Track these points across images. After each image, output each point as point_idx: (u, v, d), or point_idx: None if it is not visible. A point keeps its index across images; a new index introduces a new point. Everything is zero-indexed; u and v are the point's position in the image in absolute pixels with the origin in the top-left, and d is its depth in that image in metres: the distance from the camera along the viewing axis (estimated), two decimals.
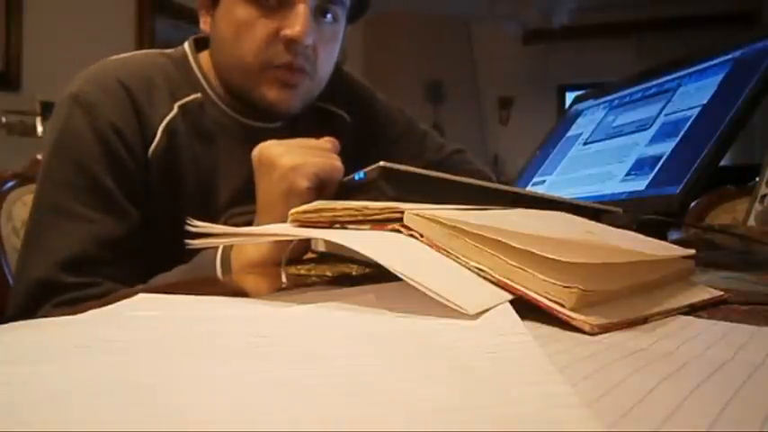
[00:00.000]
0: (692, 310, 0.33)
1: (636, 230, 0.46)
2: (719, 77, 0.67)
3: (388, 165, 0.48)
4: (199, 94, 0.78)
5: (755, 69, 0.62)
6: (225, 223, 0.76)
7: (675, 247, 0.40)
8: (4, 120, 2.78)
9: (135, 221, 0.71)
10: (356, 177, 0.54)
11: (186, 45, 0.83)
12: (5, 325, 0.27)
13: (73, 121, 0.70)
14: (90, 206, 0.68)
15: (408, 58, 5.15)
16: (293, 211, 0.41)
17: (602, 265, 0.31)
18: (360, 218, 0.37)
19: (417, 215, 0.35)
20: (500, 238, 0.31)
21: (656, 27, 4.93)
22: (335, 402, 0.17)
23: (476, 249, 0.32)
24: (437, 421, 0.16)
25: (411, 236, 0.35)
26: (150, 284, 0.64)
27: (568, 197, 0.57)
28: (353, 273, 0.48)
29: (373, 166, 0.49)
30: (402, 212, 0.35)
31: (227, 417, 0.16)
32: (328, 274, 0.49)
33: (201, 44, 0.83)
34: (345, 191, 0.56)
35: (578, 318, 0.28)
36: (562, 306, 0.28)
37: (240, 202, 0.76)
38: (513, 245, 0.30)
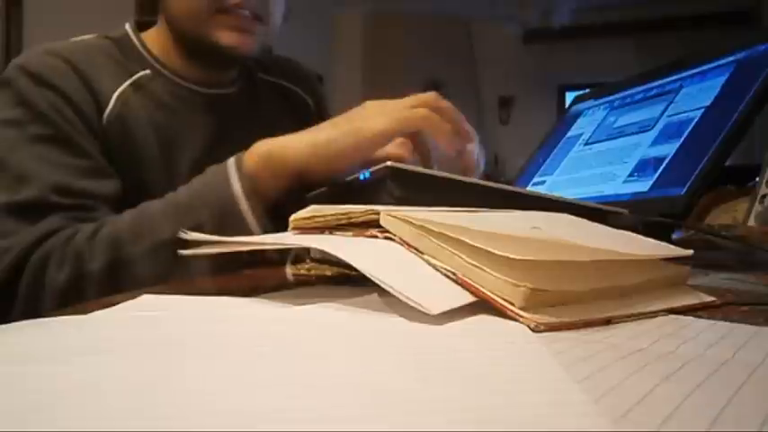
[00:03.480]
0: (672, 313, 0.33)
1: (641, 232, 0.45)
2: (722, 79, 0.67)
3: (395, 164, 0.48)
4: (148, 71, 0.78)
5: (759, 71, 0.62)
6: None
7: (672, 247, 0.40)
8: None
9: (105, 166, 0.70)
10: (361, 177, 0.54)
11: (127, 25, 0.82)
12: (10, 324, 0.27)
13: (23, 88, 0.69)
14: (61, 151, 0.68)
15: (408, 58, 5.15)
16: (294, 217, 0.41)
17: (559, 264, 0.30)
18: (344, 222, 0.38)
19: (390, 216, 0.35)
20: (459, 237, 0.31)
21: (656, 27, 4.93)
22: (335, 402, 0.17)
23: (439, 249, 0.32)
24: (438, 422, 0.16)
25: (387, 238, 0.35)
26: (143, 210, 0.62)
27: (574, 198, 0.57)
28: (353, 273, 0.48)
29: (380, 166, 0.49)
30: (378, 214, 0.36)
31: (229, 416, 0.16)
32: (328, 273, 0.49)
33: (143, 26, 0.83)
34: (350, 191, 0.56)
35: (525, 315, 0.28)
36: (512, 304, 0.28)
37: (201, 171, 0.76)
38: (470, 243, 0.30)
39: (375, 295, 0.32)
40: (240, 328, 0.28)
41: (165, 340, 0.25)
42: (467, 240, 0.30)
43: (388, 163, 0.48)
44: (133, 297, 0.33)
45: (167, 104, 0.78)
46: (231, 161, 0.61)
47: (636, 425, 0.17)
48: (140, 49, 0.80)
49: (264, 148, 0.60)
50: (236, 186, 0.59)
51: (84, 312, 0.29)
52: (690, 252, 0.39)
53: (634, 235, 0.42)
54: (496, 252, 0.29)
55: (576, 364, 0.22)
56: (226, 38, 0.75)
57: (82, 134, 0.70)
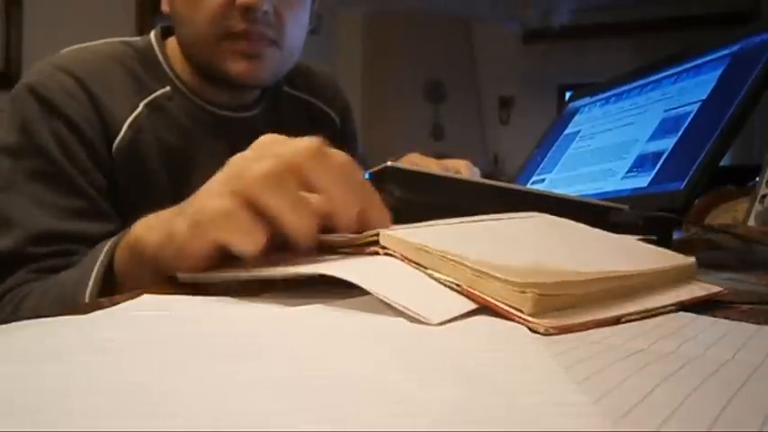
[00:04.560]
0: (688, 307, 0.33)
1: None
2: (718, 72, 0.67)
3: (396, 165, 0.48)
4: (167, 88, 0.75)
5: (755, 63, 0.62)
6: None
7: (676, 255, 0.40)
8: None
9: (103, 206, 0.68)
10: None
11: (152, 34, 0.79)
12: (10, 324, 0.27)
13: (29, 114, 0.67)
14: (53, 191, 0.66)
15: (408, 58, 5.15)
16: None
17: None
18: (344, 240, 0.37)
19: (389, 235, 0.35)
20: (458, 261, 0.31)
21: (655, 27, 4.94)
22: (334, 402, 0.17)
23: (441, 262, 0.32)
24: (437, 422, 0.16)
25: (387, 254, 0.35)
26: (54, 282, 0.57)
27: (575, 195, 0.57)
28: None
29: (380, 167, 0.49)
30: (377, 235, 0.35)
31: (228, 416, 0.16)
32: None
33: (169, 32, 0.79)
34: None
35: (534, 320, 0.27)
36: (521, 311, 0.28)
37: None
38: (470, 266, 0.30)
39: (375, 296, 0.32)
40: (240, 328, 0.28)
41: (165, 340, 0.25)
42: (464, 268, 0.30)
43: (388, 163, 0.48)
44: (133, 297, 0.33)
45: (184, 127, 0.75)
46: (106, 248, 0.50)
47: (636, 425, 0.17)
48: (163, 63, 0.77)
49: (133, 236, 0.47)
50: (92, 287, 0.49)
51: (84, 312, 0.29)
52: (693, 260, 0.39)
53: (636, 244, 0.42)
54: (499, 275, 0.29)
55: (575, 364, 0.22)
56: (234, 66, 0.72)
57: (84, 170, 0.67)
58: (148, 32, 0.80)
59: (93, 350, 0.23)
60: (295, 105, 0.87)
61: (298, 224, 0.35)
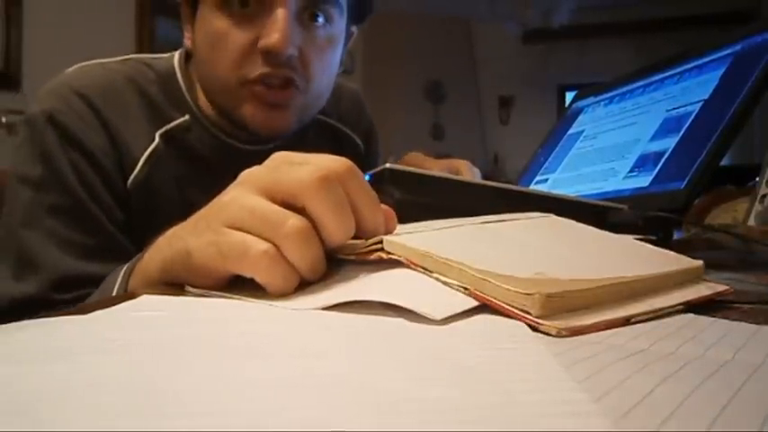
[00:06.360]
0: (689, 307, 0.33)
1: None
2: (720, 71, 0.67)
3: (394, 167, 0.48)
4: (186, 117, 0.72)
5: (756, 62, 0.62)
6: None
7: (681, 258, 0.40)
8: (4, 120, 2.78)
9: (120, 241, 0.67)
10: None
11: (176, 58, 0.75)
12: (10, 324, 0.27)
13: (49, 143, 0.65)
14: (74, 228, 0.64)
15: (408, 58, 5.15)
16: None
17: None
18: (347, 250, 0.37)
19: (394, 242, 0.34)
20: (462, 269, 0.31)
21: (655, 27, 4.94)
22: (334, 403, 0.17)
23: (447, 266, 0.32)
24: (437, 422, 0.16)
25: (391, 258, 0.35)
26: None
27: (573, 195, 0.58)
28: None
29: (379, 168, 0.49)
30: (381, 242, 0.35)
31: (228, 416, 0.16)
32: None
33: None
34: None
35: (546, 323, 0.27)
36: (529, 313, 0.28)
37: None
38: (475, 275, 0.30)
39: None
40: (240, 328, 0.28)
41: (164, 340, 0.25)
42: (470, 272, 0.30)
43: (387, 165, 0.48)
44: (133, 297, 0.33)
45: (202, 160, 0.72)
46: (120, 279, 0.49)
47: (636, 425, 0.17)
48: (184, 91, 0.73)
49: (144, 262, 0.46)
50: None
51: (85, 312, 0.29)
52: (700, 263, 0.39)
53: (642, 246, 0.42)
54: (504, 273, 0.29)
55: (576, 364, 0.22)
56: (253, 115, 0.67)
57: (104, 206, 0.66)
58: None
59: (94, 350, 0.23)
60: (322, 132, 0.84)
61: (341, 228, 0.34)
